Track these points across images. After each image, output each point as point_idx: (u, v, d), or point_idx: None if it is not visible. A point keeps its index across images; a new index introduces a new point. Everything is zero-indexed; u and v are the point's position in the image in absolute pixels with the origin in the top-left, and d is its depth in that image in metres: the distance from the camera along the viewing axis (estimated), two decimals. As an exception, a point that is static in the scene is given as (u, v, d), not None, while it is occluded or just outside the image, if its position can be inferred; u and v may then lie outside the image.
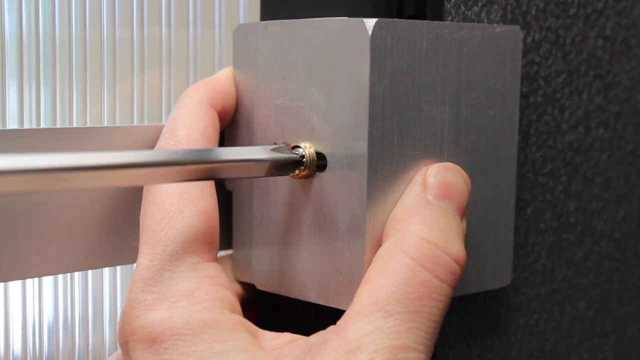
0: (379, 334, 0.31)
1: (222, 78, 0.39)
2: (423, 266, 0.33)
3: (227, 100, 0.39)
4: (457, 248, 0.34)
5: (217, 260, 0.35)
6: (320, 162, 0.36)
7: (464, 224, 0.36)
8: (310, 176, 0.36)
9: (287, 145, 0.36)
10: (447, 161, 0.37)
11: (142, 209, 0.35)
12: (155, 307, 0.32)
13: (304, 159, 0.36)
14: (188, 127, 0.37)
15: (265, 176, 0.35)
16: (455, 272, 0.33)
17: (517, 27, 0.39)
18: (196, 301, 0.32)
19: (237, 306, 0.34)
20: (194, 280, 0.33)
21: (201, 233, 0.34)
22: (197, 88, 0.38)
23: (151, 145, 0.37)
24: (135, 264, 0.35)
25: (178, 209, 0.34)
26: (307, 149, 0.36)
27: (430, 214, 0.34)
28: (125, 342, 0.32)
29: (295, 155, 0.36)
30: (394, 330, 0.31)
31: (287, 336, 0.34)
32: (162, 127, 0.38)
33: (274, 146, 0.35)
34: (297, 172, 0.36)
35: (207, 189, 0.35)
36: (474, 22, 0.41)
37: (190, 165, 0.32)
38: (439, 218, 0.34)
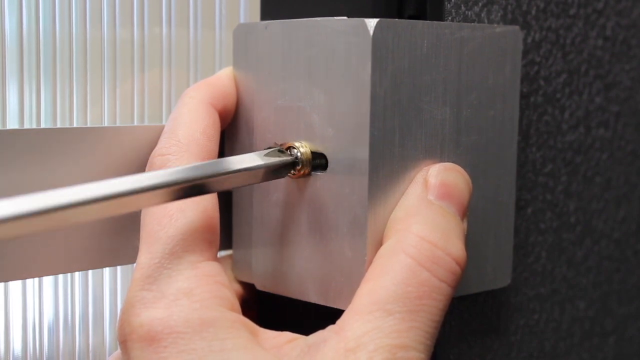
0: (378, 333, 0.31)
1: (223, 78, 0.39)
2: (423, 266, 0.33)
3: (228, 100, 0.39)
4: (457, 248, 0.34)
5: (217, 259, 0.35)
6: (318, 161, 0.36)
7: (465, 224, 0.36)
8: (307, 175, 0.36)
9: (282, 146, 0.36)
10: (448, 161, 0.37)
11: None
12: (154, 305, 0.32)
13: (299, 159, 0.36)
14: (189, 126, 0.37)
15: (262, 181, 0.35)
16: (455, 272, 0.33)
17: (517, 27, 0.39)
18: (195, 299, 0.32)
19: (237, 305, 0.34)
20: (193, 278, 0.33)
21: (201, 232, 0.34)
22: (197, 88, 0.38)
23: (152, 145, 0.37)
24: (135, 264, 0.35)
25: (178, 207, 0.34)
26: (301, 148, 0.36)
27: (431, 214, 0.34)
28: (124, 340, 0.32)
29: (288, 158, 0.35)
30: (394, 330, 0.31)
31: (286, 335, 0.33)
32: (162, 127, 0.38)
33: (267, 150, 0.35)
34: (293, 172, 0.36)
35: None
36: (474, 22, 0.41)
37: (183, 185, 0.32)
38: (439, 218, 0.34)
